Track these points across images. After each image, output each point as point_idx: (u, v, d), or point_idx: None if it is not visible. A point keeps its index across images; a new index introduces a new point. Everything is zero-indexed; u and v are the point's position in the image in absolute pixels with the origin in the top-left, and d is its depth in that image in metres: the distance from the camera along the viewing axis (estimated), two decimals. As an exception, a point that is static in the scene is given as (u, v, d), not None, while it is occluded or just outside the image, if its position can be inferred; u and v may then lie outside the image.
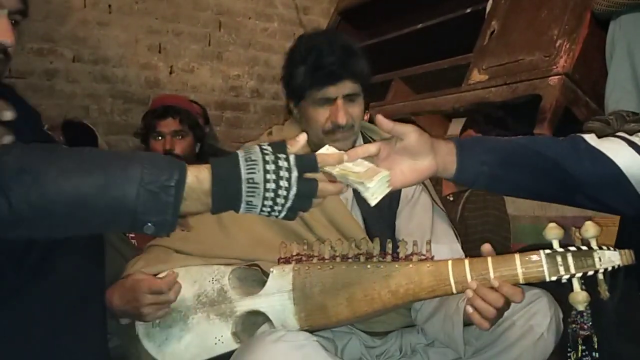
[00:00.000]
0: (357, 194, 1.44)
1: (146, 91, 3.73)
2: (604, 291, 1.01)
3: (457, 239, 1.46)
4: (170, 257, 1.34)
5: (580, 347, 1.15)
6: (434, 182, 2.17)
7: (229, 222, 1.36)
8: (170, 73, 3.86)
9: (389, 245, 1.15)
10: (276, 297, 1.15)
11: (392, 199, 1.42)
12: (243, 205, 0.87)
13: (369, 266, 1.12)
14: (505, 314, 1.39)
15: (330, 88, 1.36)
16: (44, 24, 3.45)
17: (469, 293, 1.04)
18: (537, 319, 1.36)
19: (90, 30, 3.59)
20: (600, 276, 1.00)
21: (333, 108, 1.37)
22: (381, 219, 1.41)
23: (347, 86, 1.37)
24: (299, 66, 1.38)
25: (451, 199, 2.20)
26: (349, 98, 1.38)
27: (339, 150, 1.38)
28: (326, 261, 1.17)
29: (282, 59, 1.50)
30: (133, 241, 2.28)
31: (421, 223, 1.38)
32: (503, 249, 1.94)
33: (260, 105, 4.18)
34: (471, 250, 1.99)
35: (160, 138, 2.29)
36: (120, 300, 1.23)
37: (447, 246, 1.37)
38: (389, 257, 1.13)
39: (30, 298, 0.94)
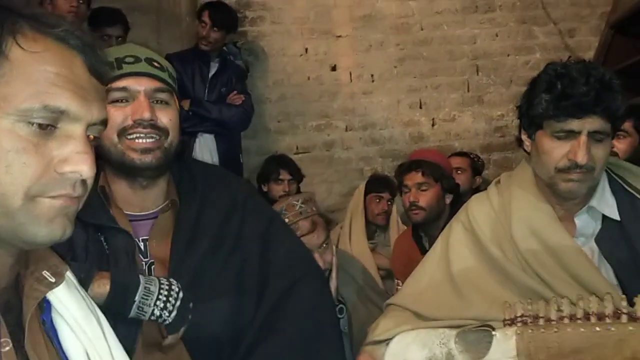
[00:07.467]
0: (602, 245, 1.26)
1: (411, 147, 3.90)
2: None
3: None
4: (406, 319, 1.38)
5: None
6: None
7: (462, 281, 1.34)
8: (433, 125, 4.00)
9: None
10: None
11: None
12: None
13: (598, 328, 1.02)
14: None
15: (574, 121, 1.22)
16: (319, 103, 3.97)
17: None
18: None
19: (358, 100, 3.99)
20: None
21: (574, 143, 1.23)
22: (637, 272, 1.22)
23: (596, 123, 1.22)
24: (543, 93, 1.27)
25: None
26: (595, 136, 1.23)
27: (572, 192, 1.24)
28: (552, 323, 1.10)
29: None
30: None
31: None
32: None
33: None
34: None
35: (405, 191, 2.35)
36: None
37: None
38: (624, 317, 1.01)
39: None
